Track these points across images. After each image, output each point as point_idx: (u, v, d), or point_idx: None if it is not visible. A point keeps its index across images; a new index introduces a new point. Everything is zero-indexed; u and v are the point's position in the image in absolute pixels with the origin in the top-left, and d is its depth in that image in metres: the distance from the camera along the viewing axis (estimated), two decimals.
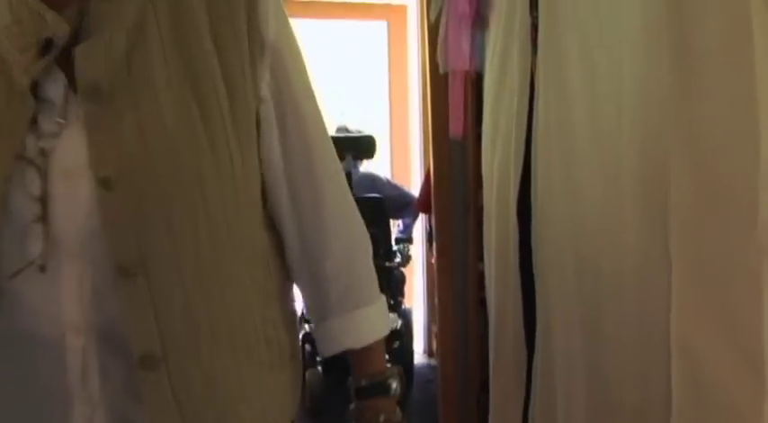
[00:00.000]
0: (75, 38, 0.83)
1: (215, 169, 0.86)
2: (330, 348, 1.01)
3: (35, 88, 0.82)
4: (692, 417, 1.16)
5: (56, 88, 0.82)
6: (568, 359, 1.57)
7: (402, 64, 4.71)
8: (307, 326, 3.61)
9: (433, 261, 3.24)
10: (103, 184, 0.81)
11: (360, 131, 4.15)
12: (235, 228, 0.89)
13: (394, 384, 1.02)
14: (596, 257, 1.44)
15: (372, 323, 1.02)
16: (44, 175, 0.81)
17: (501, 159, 1.94)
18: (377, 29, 4.77)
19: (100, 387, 0.84)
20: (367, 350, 1.01)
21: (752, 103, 1.07)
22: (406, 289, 4.03)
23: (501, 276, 1.96)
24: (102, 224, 0.82)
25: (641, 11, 1.28)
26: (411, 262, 4.06)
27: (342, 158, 3.72)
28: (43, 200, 0.80)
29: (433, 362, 3.86)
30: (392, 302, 3.68)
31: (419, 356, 4.10)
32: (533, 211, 1.73)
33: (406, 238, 3.95)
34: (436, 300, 2.93)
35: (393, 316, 3.67)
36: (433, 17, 2.40)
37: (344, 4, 4.67)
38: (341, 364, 3.89)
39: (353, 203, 1.03)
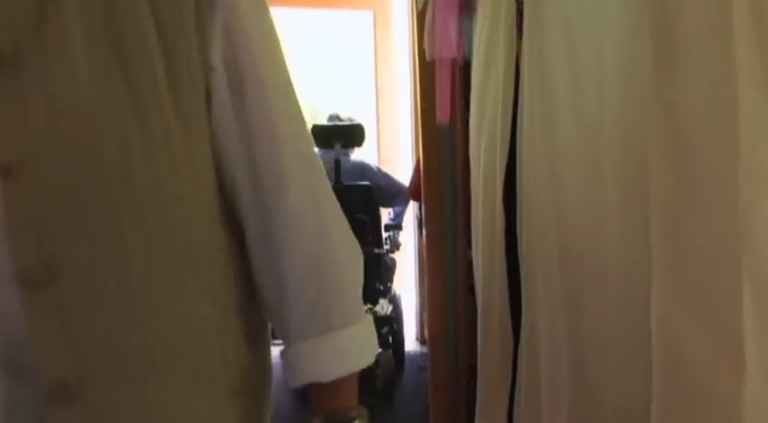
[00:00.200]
0: None
1: (148, 155, 0.69)
2: (293, 379, 0.80)
3: None
4: (672, 402, 1.17)
5: None
6: (552, 344, 1.58)
7: (388, 53, 4.71)
8: None
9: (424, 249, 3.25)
10: (3, 172, 0.65)
11: (351, 119, 4.15)
12: (177, 227, 0.72)
13: None
14: (579, 244, 1.44)
15: (346, 351, 0.81)
16: None
17: (487, 147, 1.94)
18: (363, 18, 4.75)
19: None
20: (335, 381, 0.80)
21: (731, 90, 1.07)
22: (398, 276, 4.06)
23: (488, 263, 1.96)
24: (1, 223, 0.66)
25: None
26: (403, 250, 4.07)
27: (330, 147, 3.78)
28: None
29: (425, 349, 3.88)
30: (382, 288, 3.72)
31: (411, 343, 4.12)
32: (518, 199, 1.74)
33: (396, 226, 3.97)
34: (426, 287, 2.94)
35: (383, 301, 3.71)
36: (420, 5, 2.39)
37: None
38: None
39: (332, 197, 0.83)
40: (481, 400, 2.08)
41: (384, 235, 3.89)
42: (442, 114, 2.33)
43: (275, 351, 0.84)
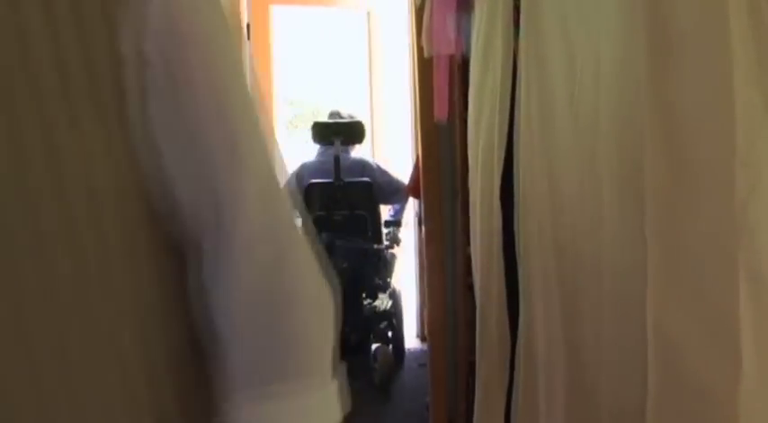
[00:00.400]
0: None
1: (19, 165, 0.55)
2: None
3: None
4: (668, 398, 1.17)
5: None
6: (549, 343, 1.58)
7: (382, 51, 4.71)
8: None
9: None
10: None
11: (352, 116, 4.16)
12: (80, 246, 0.57)
13: None
14: (575, 242, 1.44)
15: None
16: None
17: (485, 144, 1.94)
18: (356, 16, 4.76)
19: None
20: None
21: (727, 88, 1.07)
22: (399, 273, 4.07)
23: (485, 261, 1.96)
24: None
25: None
26: (404, 247, 4.08)
27: (330, 143, 3.80)
28: None
29: (426, 346, 3.89)
30: (381, 283, 3.73)
31: (412, 340, 4.12)
32: (515, 196, 1.74)
33: (395, 222, 3.98)
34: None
35: (383, 296, 3.72)
36: (418, 1, 2.38)
37: None
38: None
39: (296, 228, 0.66)
40: (479, 398, 2.08)
41: (385, 231, 3.91)
42: (440, 112, 2.32)
43: None
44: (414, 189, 3.17)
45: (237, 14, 4.11)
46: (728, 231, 1.09)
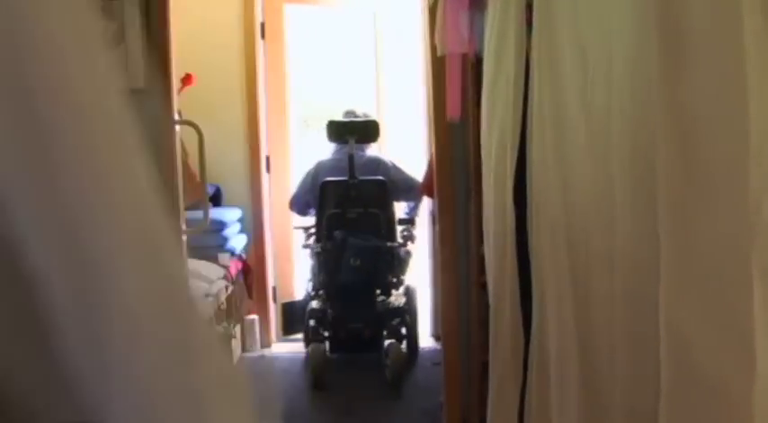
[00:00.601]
0: None
1: None
2: None
3: None
4: (681, 397, 1.17)
5: None
6: (562, 342, 1.58)
7: (390, 50, 4.71)
8: (314, 302, 3.69)
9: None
10: None
11: (367, 115, 4.17)
12: None
13: None
14: (588, 241, 1.44)
15: None
16: None
17: (498, 144, 1.94)
18: (364, 15, 4.76)
19: None
20: None
21: (741, 88, 1.06)
22: (414, 272, 4.07)
23: (499, 260, 1.96)
24: None
25: None
26: (419, 245, 4.09)
27: (345, 142, 3.81)
28: None
29: (440, 345, 3.90)
30: (395, 280, 3.74)
31: (426, 340, 4.12)
32: (528, 195, 1.74)
33: (409, 220, 3.99)
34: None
35: (396, 293, 3.73)
36: (431, 0, 2.39)
37: None
38: (347, 340, 3.95)
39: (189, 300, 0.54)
40: (493, 396, 2.08)
41: (399, 228, 3.91)
42: (453, 110, 2.33)
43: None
44: (428, 188, 3.17)
45: (251, 14, 4.13)
46: (742, 230, 1.08)
